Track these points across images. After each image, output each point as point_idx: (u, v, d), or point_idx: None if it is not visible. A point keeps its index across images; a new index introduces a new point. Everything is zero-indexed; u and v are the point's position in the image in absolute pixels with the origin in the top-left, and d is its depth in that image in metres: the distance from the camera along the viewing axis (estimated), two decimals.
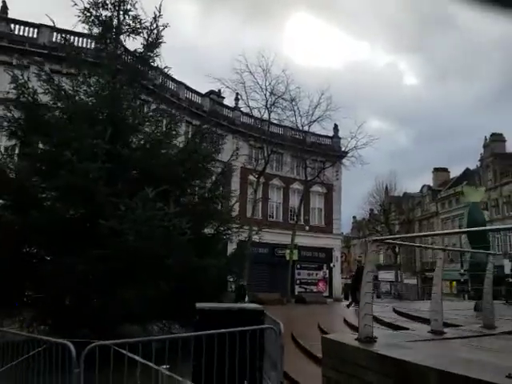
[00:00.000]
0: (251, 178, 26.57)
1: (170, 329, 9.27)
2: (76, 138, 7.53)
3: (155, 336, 5.74)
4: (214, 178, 10.50)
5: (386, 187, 51.60)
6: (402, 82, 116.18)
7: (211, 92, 28.80)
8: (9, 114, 8.50)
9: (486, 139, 43.33)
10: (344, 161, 28.92)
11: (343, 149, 28.66)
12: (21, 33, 19.63)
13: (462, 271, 28.13)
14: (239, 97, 27.52)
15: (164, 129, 10.10)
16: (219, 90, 29.23)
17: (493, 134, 44.17)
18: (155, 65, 9.98)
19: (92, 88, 9.26)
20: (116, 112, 8.60)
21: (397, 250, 47.89)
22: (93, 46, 11.13)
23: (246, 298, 16.47)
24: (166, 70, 10.24)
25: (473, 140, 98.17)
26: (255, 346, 5.51)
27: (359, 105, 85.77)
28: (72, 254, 6.84)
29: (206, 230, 9.81)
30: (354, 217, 66.56)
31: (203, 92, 27.90)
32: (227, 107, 29.21)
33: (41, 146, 8.97)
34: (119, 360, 3.95)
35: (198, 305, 6.72)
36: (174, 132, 10.22)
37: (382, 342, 4.96)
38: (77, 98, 9.19)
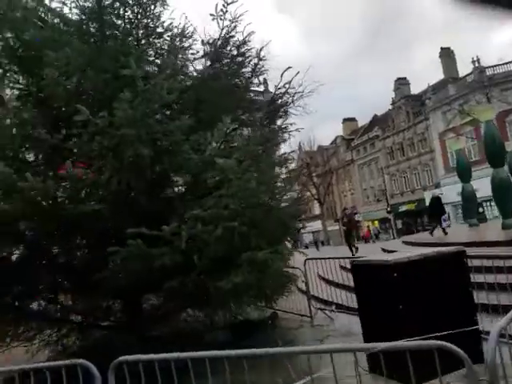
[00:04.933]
0: None
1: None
2: None
3: None
4: None
5: (299, 143, 52.90)
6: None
7: None
8: None
9: (395, 84, 45.71)
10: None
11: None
12: None
13: None
14: None
15: None
16: None
17: (398, 79, 46.79)
18: None
19: None
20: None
21: (322, 200, 49.57)
22: None
23: None
24: None
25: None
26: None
27: None
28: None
29: None
30: None
31: None
32: None
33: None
34: None
35: (378, 258, 4.99)
36: None
37: None
38: None
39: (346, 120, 59.55)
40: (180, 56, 6.25)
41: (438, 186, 38.82)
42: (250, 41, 6.93)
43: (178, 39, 6.49)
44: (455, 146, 17.90)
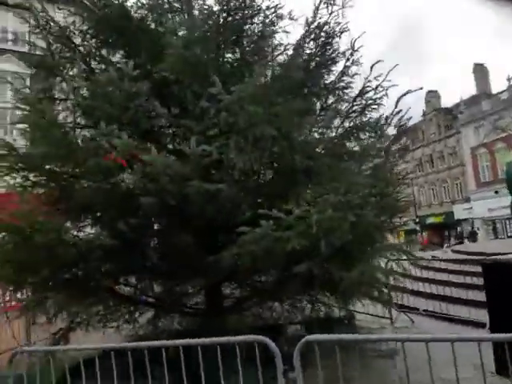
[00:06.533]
0: None
1: None
2: None
3: None
4: None
5: None
6: None
7: None
8: None
9: (426, 96, 45.10)
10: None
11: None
12: None
13: None
14: None
15: None
16: None
17: (429, 92, 46.17)
18: None
19: None
20: None
21: None
22: None
23: None
24: None
25: None
26: None
27: None
28: None
29: None
30: None
31: None
32: None
33: None
34: None
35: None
36: None
37: None
38: None
39: None
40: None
41: (468, 200, 38.09)
42: (348, 29, 6.73)
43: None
44: (506, 159, 17.46)
